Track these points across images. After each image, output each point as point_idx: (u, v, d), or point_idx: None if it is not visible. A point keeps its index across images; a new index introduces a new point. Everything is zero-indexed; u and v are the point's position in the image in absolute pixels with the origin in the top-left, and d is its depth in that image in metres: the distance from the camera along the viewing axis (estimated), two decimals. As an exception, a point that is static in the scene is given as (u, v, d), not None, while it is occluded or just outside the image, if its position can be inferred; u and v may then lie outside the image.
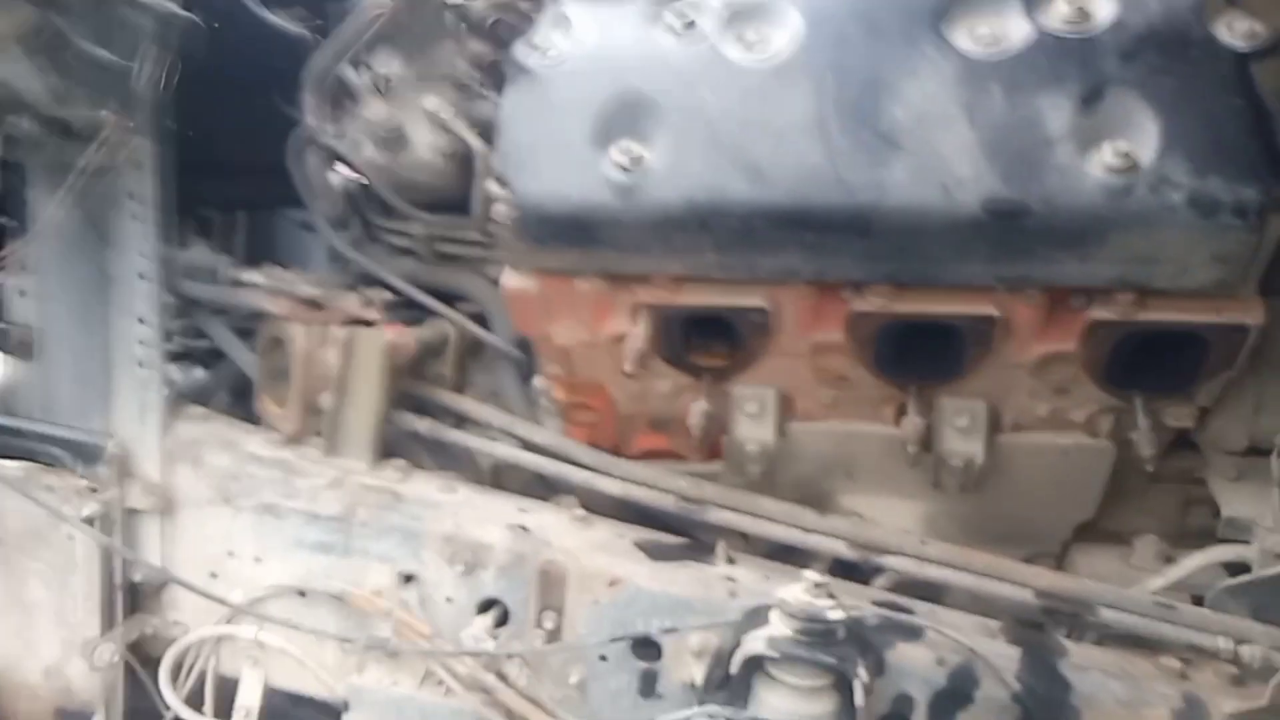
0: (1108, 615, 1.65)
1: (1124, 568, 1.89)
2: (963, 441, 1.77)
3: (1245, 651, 1.50)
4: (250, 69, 1.94)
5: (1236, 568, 1.69)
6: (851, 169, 1.50)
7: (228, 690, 1.93)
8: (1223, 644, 1.52)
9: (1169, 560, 1.86)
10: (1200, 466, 1.88)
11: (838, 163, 1.51)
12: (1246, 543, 1.69)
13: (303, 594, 1.88)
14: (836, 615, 1.50)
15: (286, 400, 1.95)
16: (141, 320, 1.89)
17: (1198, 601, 1.71)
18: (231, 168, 2.30)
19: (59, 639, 1.89)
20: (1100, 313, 1.55)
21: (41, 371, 1.92)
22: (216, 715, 1.90)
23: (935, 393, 1.76)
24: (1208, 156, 1.39)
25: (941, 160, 1.48)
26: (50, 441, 1.86)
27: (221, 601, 1.82)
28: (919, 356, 1.70)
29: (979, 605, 1.76)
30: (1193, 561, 1.69)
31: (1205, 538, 2.00)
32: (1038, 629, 1.75)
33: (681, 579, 1.75)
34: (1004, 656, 1.63)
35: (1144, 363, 1.60)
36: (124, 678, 1.94)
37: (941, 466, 1.80)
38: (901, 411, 1.79)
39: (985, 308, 1.58)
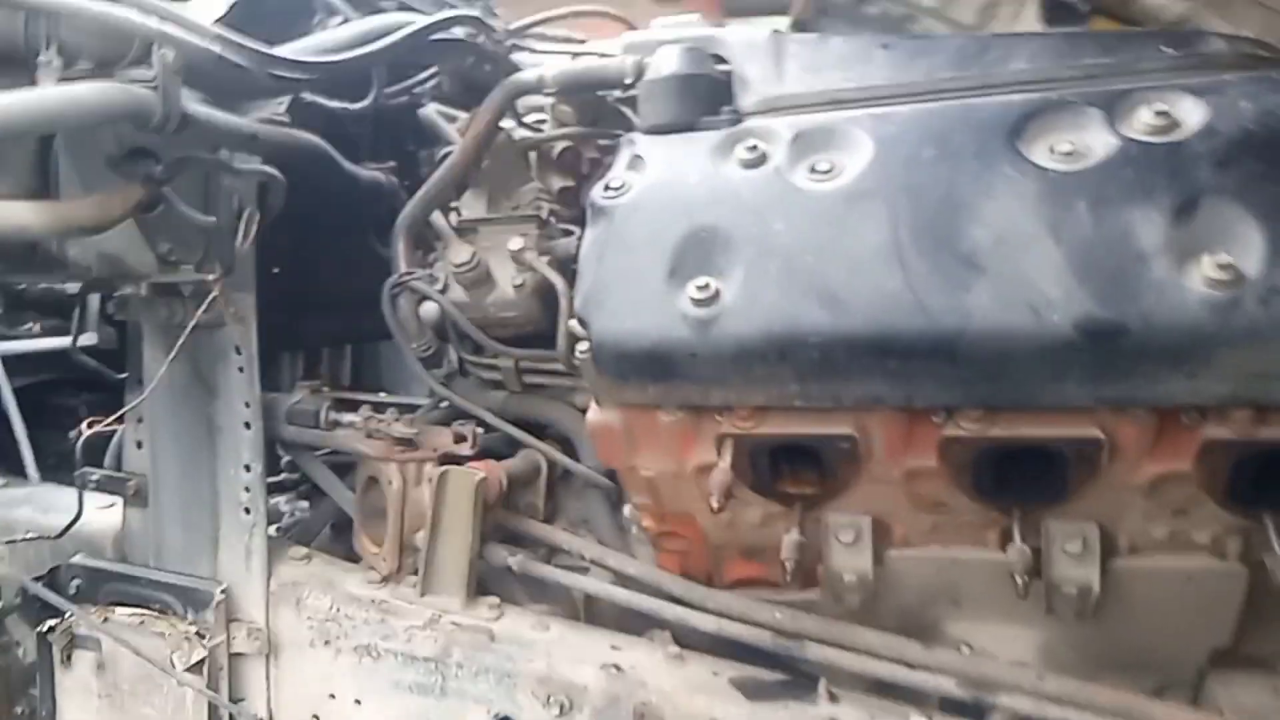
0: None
1: (1274, 699, 1.72)
2: (1076, 567, 1.66)
3: None
4: (345, 214, 2.06)
5: None
6: (931, 293, 1.46)
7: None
8: (1399, 801, 1.34)
9: (1322, 690, 1.68)
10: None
11: (916, 287, 1.47)
12: None
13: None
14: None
15: (383, 539, 1.98)
16: (246, 467, 1.97)
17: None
18: (334, 305, 2.43)
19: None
20: (1215, 431, 1.44)
21: (154, 518, 2.01)
22: None
23: (1041, 516, 1.67)
24: (1319, 264, 1.30)
25: (1027, 281, 1.43)
26: (160, 588, 1.94)
27: None
28: (1021, 479, 1.61)
29: (1110, 747, 1.62)
30: (1354, 699, 1.51)
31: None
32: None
33: (783, 719, 1.67)
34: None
35: (1270, 479, 1.48)
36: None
37: (1055, 594, 1.69)
38: (1006, 537, 1.70)
39: (1087, 429, 1.49)
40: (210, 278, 1.81)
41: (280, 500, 2.47)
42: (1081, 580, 1.65)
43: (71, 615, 1.97)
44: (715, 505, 1.61)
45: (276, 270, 2.25)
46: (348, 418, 2.04)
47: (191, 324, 1.78)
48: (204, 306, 1.77)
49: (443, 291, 2.03)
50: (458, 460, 1.97)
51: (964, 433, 1.55)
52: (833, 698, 1.70)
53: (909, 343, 1.47)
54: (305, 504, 2.24)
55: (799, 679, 1.79)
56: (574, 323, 1.69)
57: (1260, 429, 1.42)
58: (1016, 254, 1.44)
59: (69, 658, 1.97)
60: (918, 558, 1.79)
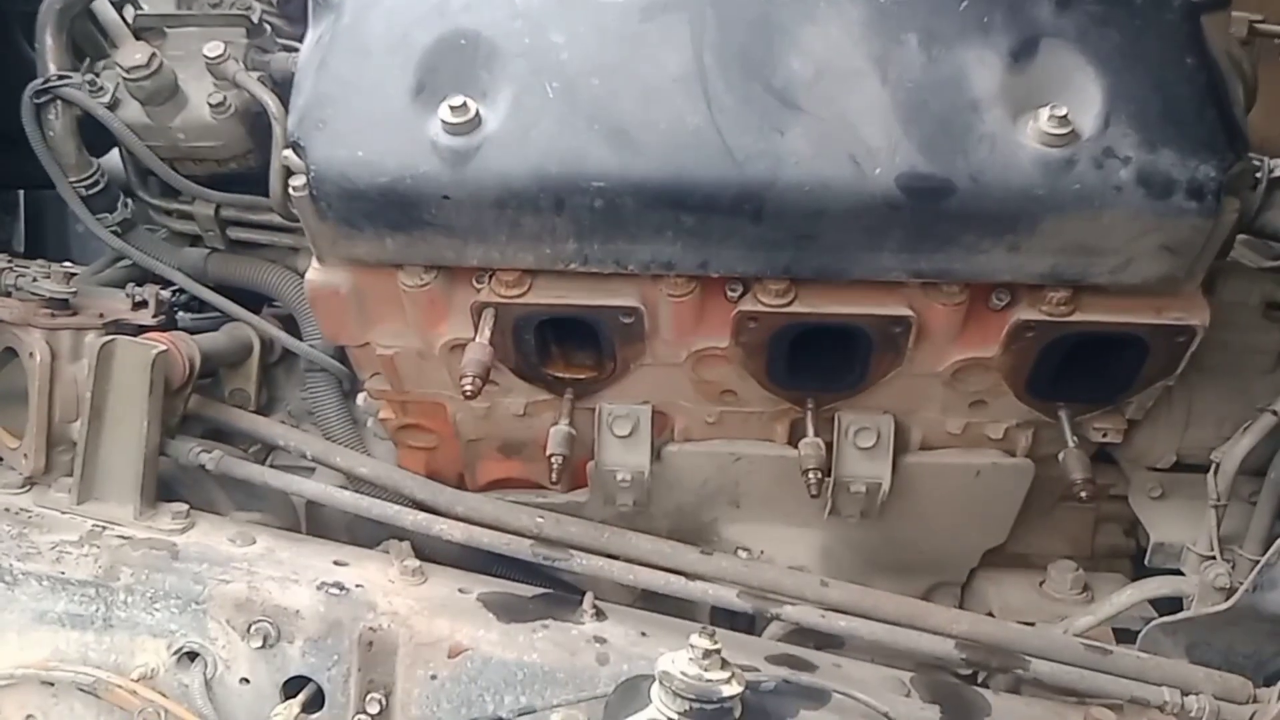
0: (1035, 663, 1.42)
1: (1040, 598, 1.70)
2: (867, 463, 1.52)
3: (1192, 703, 1.30)
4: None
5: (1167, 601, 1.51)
6: (739, 134, 1.21)
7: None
8: (1168, 695, 1.31)
9: (1086, 588, 1.67)
10: (1115, 482, 1.70)
11: (723, 125, 1.21)
12: (1180, 573, 1.50)
13: (49, 684, 1.45)
14: (731, 690, 1.20)
15: (24, 430, 1.51)
16: None
17: (1123, 639, 1.53)
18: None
19: None
20: (1027, 313, 1.31)
21: None
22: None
23: (834, 408, 1.50)
24: (1158, 125, 1.17)
25: (849, 126, 1.21)
26: None
27: None
28: (817, 365, 1.43)
29: (887, 651, 1.51)
30: (1124, 597, 1.49)
31: (1115, 558, 1.85)
32: (956, 682, 1.51)
33: (540, 643, 1.41)
34: (921, 718, 1.38)
35: (1070, 370, 1.38)
36: None
37: (841, 492, 1.54)
38: (797, 430, 1.53)
39: (897, 307, 1.32)
40: None
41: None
42: (872, 477, 1.52)
43: None
44: (469, 390, 1.29)
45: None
46: (-19, 272, 1.52)
47: None
48: None
49: (112, 107, 1.53)
50: (132, 331, 1.51)
51: (763, 308, 1.33)
52: (599, 614, 1.47)
53: (710, 193, 1.22)
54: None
55: (561, 594, 1.54)
56: (288, 151, 1.28)
57: (1073, 311, 1.29)
58: (838, 92, 1.22)
59: None
60: (699, 453, 1.59)
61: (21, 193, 2.07)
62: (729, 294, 1.34)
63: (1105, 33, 1.21)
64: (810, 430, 1.47)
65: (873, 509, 1.57)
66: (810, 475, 1.43)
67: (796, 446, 1.49)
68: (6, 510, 1.48)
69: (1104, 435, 1.51)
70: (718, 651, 1.22)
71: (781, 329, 1.36)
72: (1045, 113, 1.17)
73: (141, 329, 1.53)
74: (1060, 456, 1.41)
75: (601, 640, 1.43)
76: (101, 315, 1.51)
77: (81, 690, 1.43)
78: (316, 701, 1.43)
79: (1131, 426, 1.54)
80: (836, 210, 1.21)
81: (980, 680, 1.53)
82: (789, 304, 1.32)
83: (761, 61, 1.23)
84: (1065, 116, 1.16)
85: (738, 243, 1.25)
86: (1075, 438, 1.40)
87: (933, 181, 1.19)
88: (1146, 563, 1.60)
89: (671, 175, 1.21)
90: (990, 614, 1.65)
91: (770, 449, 1.57)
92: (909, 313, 1.32)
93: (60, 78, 1.51)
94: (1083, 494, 1.37)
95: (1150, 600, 1.53)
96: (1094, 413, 1.49)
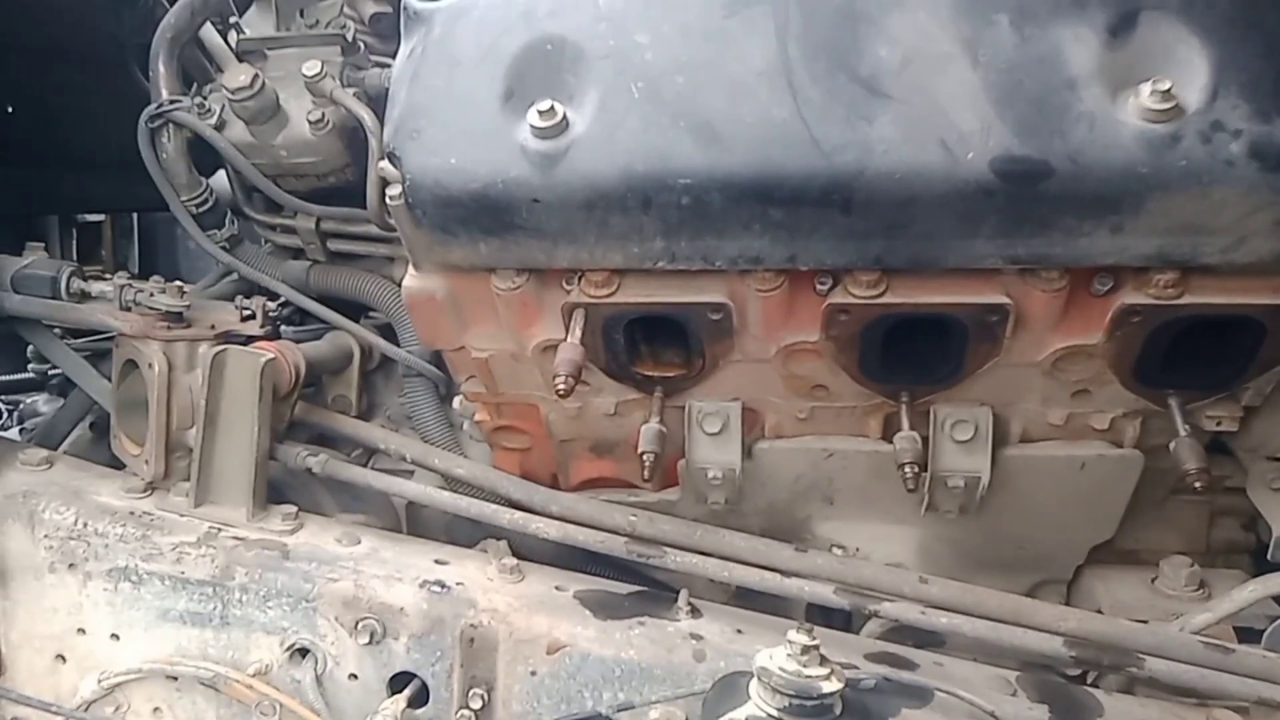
0: (1150, 662, 1.36)
1: (1152, 595, 1.62)
2: (964, 457, 1.49)
3: (1325, 704, 1.23)
4: (98, 38, 1.59)
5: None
6: (826, 125, 1.20)
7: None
8: (1296, 696, 1.24)
9: (1202, 584, 1.59)
10: (1232, 473, 1.62)
11: (809, 117, 1.20)
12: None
13: (173, 678, 1.52)
14: (830, 687, 1.19)
15: (145, 437, 1.59)
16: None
17: (1244, 638, 1.45)
18: (97, 159, 1.93)
19: None
20: (1133, 297, 1.26)
21: None
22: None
23: (929, 401, 1.47)
24: (1272, 95, 1.11)
25: (939, 111, 1.18)
26: None
27: (47, 708, 1.44)
28: (910, 357, 1.41)
29: (990, 650, 1.47)
30: (1246, 593, 1.41)
31: (1233, 554, 1.76)
32: (1063, 679, 1.46)
33: (637, 640, 1.42)
34: (1024, 714, 1.34)
35: (1179, 355, 1.32)
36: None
37: (938, 487, 1.51)
38: (891, 424, 1.50)
39: (993, 296, 1.29)
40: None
41: (38, 400, 2.00)
42: (970, 471, 1.48)
43: None
44: (562, 389, 1.31)
45: (9, 109, 1.76)
46: (98, 287, 1.61)
47: None
48: None
49: (219, 128, 1.60)
50: (241, 341, 1.58)
51: (854, 300, 1.31)
52: (694, 611, 1.47)
53: (797, 186, 1.21)
54: (46, 403, 1.79)
55: (656, 591, 1.55)
56: (384, 163, 1.33)
57: (1182, 294, 1.24)
58: (927, 78, 1.19)
59: None
60: (791, 449, 1.58)
61: (135, 216, 2.18)
62: (818, 287, 1.32)
63: (1211, 1, 1.15)
64: (905, 424, 1.44)
65: (971, 504, 1.53)
66: (906, 470, 1.40)
67: (891, 441, 1.46)
68: (131, 514, 1.56)
69: (1218, 424, 1.43)
70: (816, 647, 1.21)
71: (873, 321, 1.33)
72: (1147, 88, 1.13)
73: (250, 339, 1.60)
74: (1171, 447, 1.35)
75: (698, 637, 1.44)
76: (213, 327, 1.58)
77: (202, 684, 1.51)
78: (421, 697, 1.47)
79: (1248, 414, 1.46)
80: (928, 197, 1.18)
81: (1090, 680, 1.47)
82: (880, 295, 1.30)
83: (847, 51, 1.21)
84: (1169, 91, 1.12)
85: (827, 234, 1.24)
86: (1187, 426, 1.34)
87: (1029, 164, 1.15)
88: (1269, 557, 1.51)
89: (758, 169, 1.20)
90: (1099, 612, 1.59)
91: (864, 444, 1.55)
92: (1006, 301, 1.28)
93: (172, 102, 1.58)
94: (1196, 485, 1.30)
95: (1275, 597, 1.45)
96: (1207, 400, 1.42)
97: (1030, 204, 1.17)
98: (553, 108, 1.22)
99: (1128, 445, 1.48)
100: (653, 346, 1.50)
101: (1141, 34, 1.16)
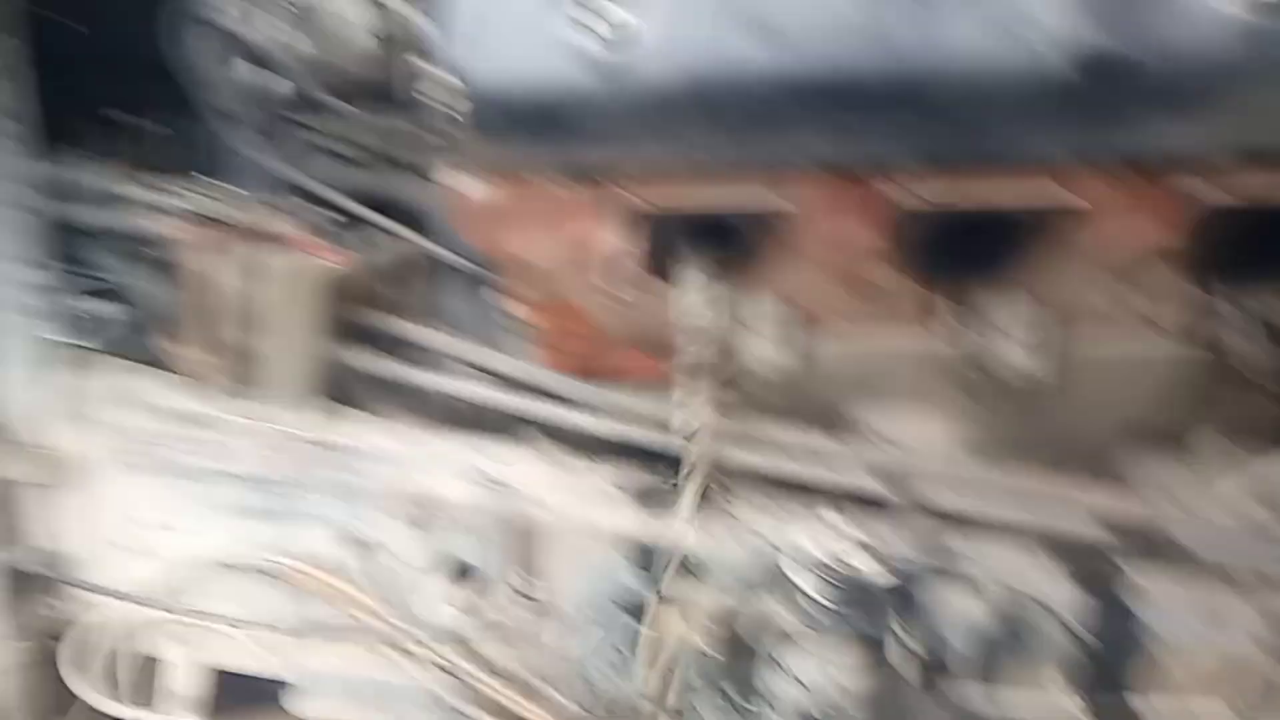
0: (1188, 540, 1.39)
1: (1191, 475, 1.63)
2: (1022, 355, 1.47)
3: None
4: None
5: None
6: (895, 18, 1.14)
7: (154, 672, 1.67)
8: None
9: (1233, 460, 1.60)
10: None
11: (876, 12, 1.14)
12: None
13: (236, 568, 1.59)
14: (866, 567, 1.24)
15: (200, 340, 1.61)
16: (16, 258, 1.52)
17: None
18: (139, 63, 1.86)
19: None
20: (1215, 196, 1.22)
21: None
22: (140, 701, 1.63)
23: (990, 297, 1.45)
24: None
25: (1017, 1, 1.11)
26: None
27: (112, 594, 1.53)
28: (973, 256, 1.38)
29: (1031, 535, 1.50)
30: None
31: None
32: (1102, 560, 1.50)
33: (684, 528, 1.47)
34: (1064, 597, 1.39)
35: (1261, 254, 1.29)
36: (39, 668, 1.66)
37: (993, 384, 1.50)
38: (946, 323, 1.49)
39: (1067, 194, 1.25)
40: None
41: (88, 299, 2.01)
42: (1026, 369, 1.47)
43: None
44: (612, 295, 1.31)
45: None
46: (149, 195, 1.60)
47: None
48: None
49: (269, 32, 1.55)
50: (298, 248, 1.58)
51: (917, 200, 1.28)
52: (736, 501, 1.51)
53: (865, 85, 1.16)
54: (102, 306, 1.80)
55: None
56: (440, 69, 1.28)
57: (1268, 190, 1.19)
58: (1004, -35, 1.11)
59: None
60: (842, 348, 1.57)
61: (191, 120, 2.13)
62: (883, 188, 1.28)
63: None
64: (963, 323, 1.43)
65: (1028, 400, 1.52)
66: (961, 369, 1.39)
67: (947, 339, 1.45)
68: (190, 414, 1.60)
69: (1287, 321, 1.41)
70: (857, 534, 1.25)
71: (938, 221, 1.30)
72: (1252, -25, 1.05)
73: (301, 244, 1.60)
74: (1235, 342, 1.34)
75: (739, 523, 1.48)
76: (270, 234, 1.57)
77: (264, 574, 1.58)
78: (474, 581, 1.54)
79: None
80: (1002, 94, 1.13)
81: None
82: (947, 195, 1.27)
83: (919, -62, 1.13)
84: (1270, -21, 1.04)
85: (894, 134, 1.20)
86: (1265, 326, 1.32)
87: (1113, 57, 1.10)
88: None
89: (825, 69, 1.15)
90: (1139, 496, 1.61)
91: (916, 343, 1.53)
92: (1079, 200, 1.24)
93: (218, 8, 1.53)
94: (1263, 383, 1.30)
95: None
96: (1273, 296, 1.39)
97: (1112, 99, 1.12)
98: (616, 13, 1.17)
99: (1198, 343, 1.45)
100: (705, 248, 1.47)
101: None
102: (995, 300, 1.45)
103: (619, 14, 1.16)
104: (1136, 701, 1.42)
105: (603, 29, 1.16)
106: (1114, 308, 1.43)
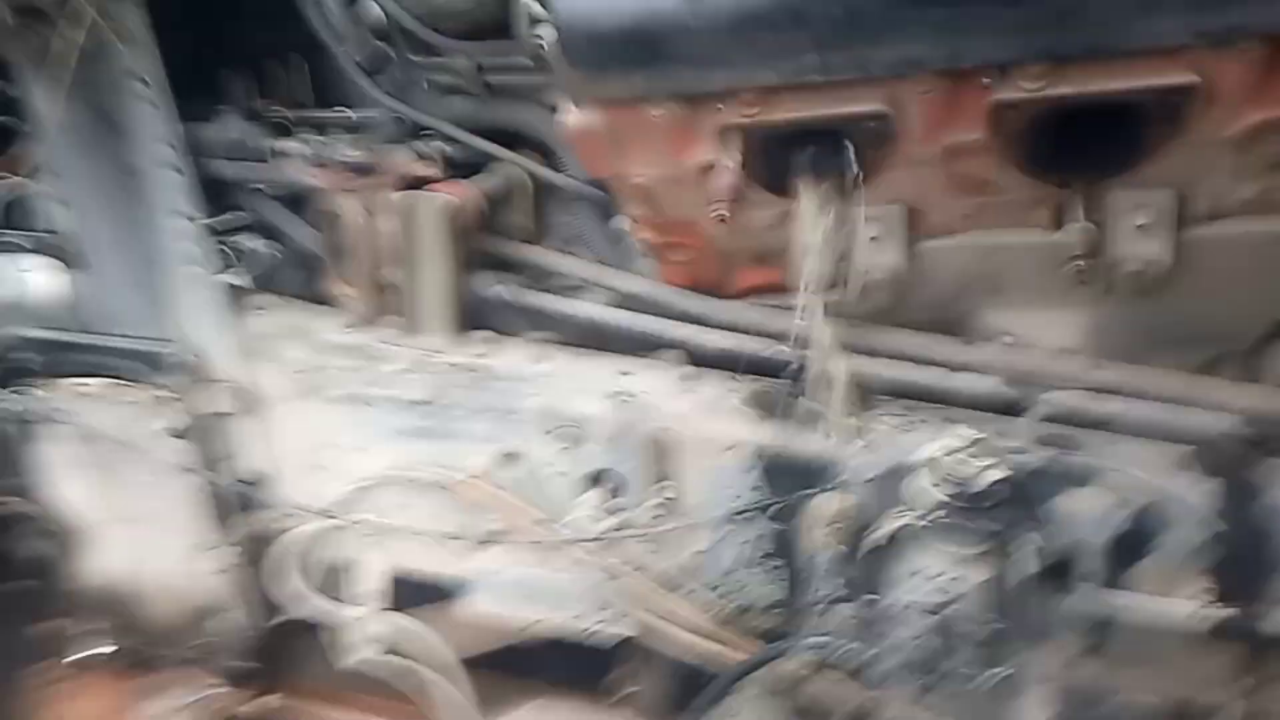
0: (1335, 437, 1.35)
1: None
2: (1144, 241, 1.44)
3: None
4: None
5: None
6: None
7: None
8: None
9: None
10: None
11: (970, -95, 1.12)
12: None
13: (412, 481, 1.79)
14: (996, 475, 1.27)
15: (353, 280, 1.78)
16: (179, 213, 1.71)
17: None
18: (271, 8, 2.01)
19: (178, 545, 1.88)
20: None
21: (96, 282, 1.80)
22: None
23: (1105, 186, 1.42)
24: None
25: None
26: (120, 355, 1.76)
27: (303, 510, 1.74)
28: (1084, 146, 1.35)
29: (1163, 431, 1.49)
30: None
31: None
32: (1241, 453, 1.47)
33: (805, 435, 1.54)
34: (1200, 492, 1.38)
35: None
36: (250, 572, 1.93)
37: (1114, 274, 1.48)
38: (1060, 215, 1.46)
39: (1179, 75, 1.20)
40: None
41: (250, 245, 2.22)
42: (1150, 256, 1.44)
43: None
44: (721, 214, 1.36)
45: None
46: (284, 144, 1.75)
47: (55, 46, 1.44)
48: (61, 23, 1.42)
49: (374, -23, 1.65)
50: (423, 183, 1.70)
51: (1022, 94, 1.26)
52: (861, 408, 1.56)
53: (960, -20, 1.14)
54: (266, 249, 1.98)
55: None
56: (535, 3, 1.35)
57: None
58: None
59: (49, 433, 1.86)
60: (955, 246, 1.57)
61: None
62: (983, 83, 1.27)
63: None
64: (1079, 214, 1.40)
65: (1151, 288, 1.49)
66: (1079, 263, 1.38)
67: (1068, 232, 1.43)
68: (354, 346, 1.78)
69: None
70: (983, 439, 1.28)
71: (1044, 113, 1.28)
72: None
73: (430, 181, 1.72)
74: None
75: (866, 430, 1.54)
76: (399, 174, 1.70)
77: (433, 486, 1.76)
78: (618, 490, 1.67)
79: None
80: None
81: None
82: (1051, 86, 1.24)
83: None
84: None
85: (991, 30, 1.18)
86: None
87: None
88: None
89: (914, -33, 1.15)
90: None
91: (1033, 236, 1.51)
92: (1193, 78, 1.20)
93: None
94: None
95: None
96: None
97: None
98: (695, -72, 1.19)
99: (1327, 218, 1.39)
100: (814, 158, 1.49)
101: None
102: (1112, 188, 1.42)
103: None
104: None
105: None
106: (1236, 186, 1.37)
